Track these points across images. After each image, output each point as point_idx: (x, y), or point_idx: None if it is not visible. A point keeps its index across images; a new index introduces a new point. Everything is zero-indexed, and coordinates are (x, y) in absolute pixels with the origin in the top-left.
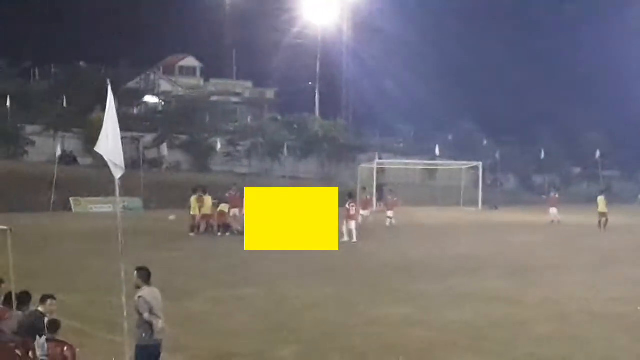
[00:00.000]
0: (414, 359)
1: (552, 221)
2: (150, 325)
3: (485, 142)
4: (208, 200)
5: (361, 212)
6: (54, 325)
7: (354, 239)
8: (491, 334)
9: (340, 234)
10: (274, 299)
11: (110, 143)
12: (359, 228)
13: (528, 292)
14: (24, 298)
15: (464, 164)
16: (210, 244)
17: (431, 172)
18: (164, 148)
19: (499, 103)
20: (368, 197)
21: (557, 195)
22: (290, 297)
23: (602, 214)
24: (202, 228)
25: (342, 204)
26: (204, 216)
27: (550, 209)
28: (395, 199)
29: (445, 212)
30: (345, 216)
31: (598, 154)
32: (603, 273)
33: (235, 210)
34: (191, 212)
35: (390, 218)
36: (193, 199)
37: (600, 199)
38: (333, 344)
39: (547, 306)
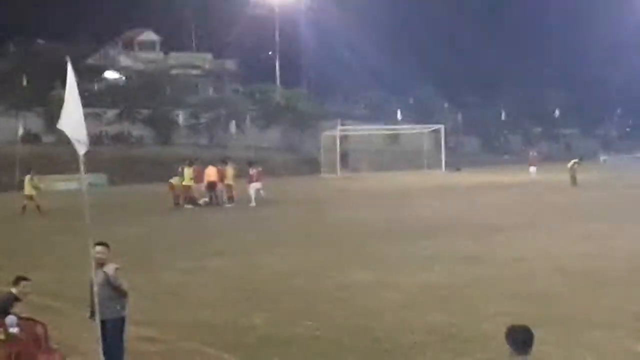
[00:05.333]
0: (384, 322)
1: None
2: (125, 296)
3: (446, 105)
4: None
5: (254, 184)
6: (12, 301)
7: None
8: (461, 294)
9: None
10: (246, 268)
11: (72, 120)
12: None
13: (496, 251)
14: None
15: (425, 128)
16: (178, 217)
17: (393, 137)
18: None
19: (457, 66)
20: (259, 169)
21: (536, 154)
22: (261, 265)
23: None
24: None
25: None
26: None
27: (529, 167)
28: (259, 169)
29: (409, 176)
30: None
31: (557, 112)
32: (571, 229)
33: (257, 185)
34: (183, 183)
35: (258, 190)
36: (188, 170)
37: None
38: (305, 310)
39: (516, 264)
